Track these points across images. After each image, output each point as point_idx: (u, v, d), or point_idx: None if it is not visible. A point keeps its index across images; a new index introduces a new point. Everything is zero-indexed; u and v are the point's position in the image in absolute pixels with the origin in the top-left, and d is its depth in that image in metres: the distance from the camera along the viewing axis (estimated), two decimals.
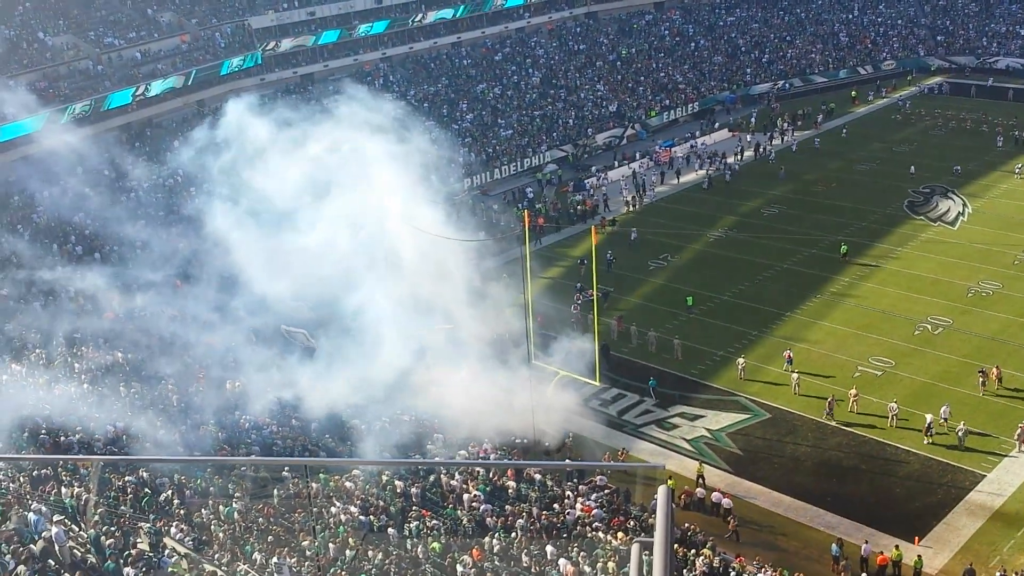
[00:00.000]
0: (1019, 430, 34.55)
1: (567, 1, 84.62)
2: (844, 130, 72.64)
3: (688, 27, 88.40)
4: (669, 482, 33.02)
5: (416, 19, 74.52)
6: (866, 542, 30.14)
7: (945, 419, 35.39)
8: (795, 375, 39.43)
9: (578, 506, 30.78)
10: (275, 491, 29.25)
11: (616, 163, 67.85)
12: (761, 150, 69.18)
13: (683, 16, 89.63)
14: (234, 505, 27.66)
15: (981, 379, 37.38)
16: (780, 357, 41.54)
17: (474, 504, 30.23)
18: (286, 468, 29.91)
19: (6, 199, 50.28)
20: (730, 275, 50.45)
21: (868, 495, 33.38)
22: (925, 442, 35.44)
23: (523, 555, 27.20)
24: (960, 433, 34.79)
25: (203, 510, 27.40)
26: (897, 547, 29.88)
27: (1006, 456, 34.42)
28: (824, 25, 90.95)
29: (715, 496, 32.87)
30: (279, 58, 68.17)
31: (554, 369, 39.74)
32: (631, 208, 61.18)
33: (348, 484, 30.74)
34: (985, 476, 33.55)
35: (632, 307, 47.85)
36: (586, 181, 64.78)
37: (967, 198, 58.14)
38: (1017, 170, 60.18)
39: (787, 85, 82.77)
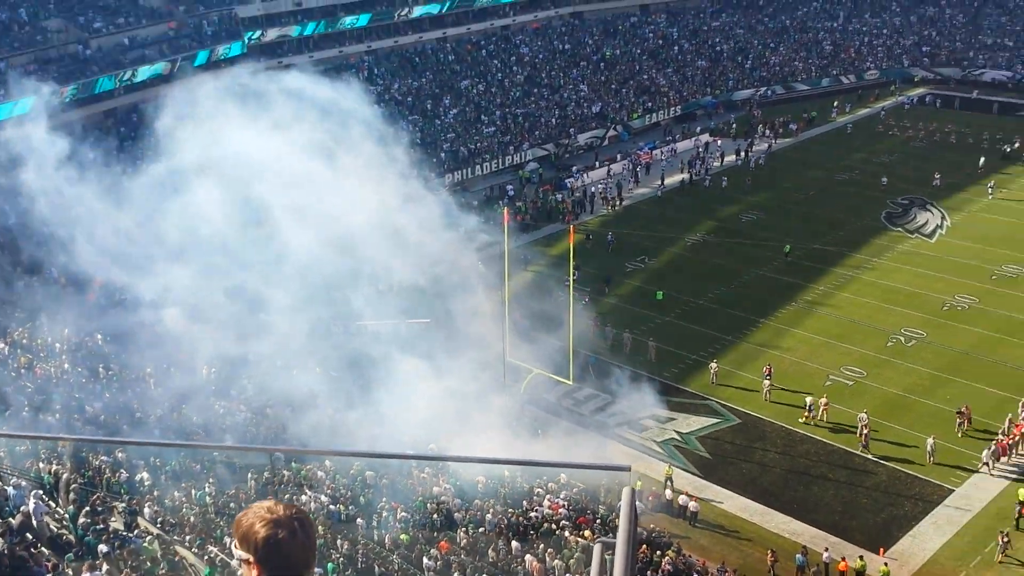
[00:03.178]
0: (992, 447, 34.81)
1: (553, 0, 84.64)
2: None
3: (673, 30, 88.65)
4: (637, 484, 33.17)
5: (402, 13, 74.33)
6: (826, 550, 30.34)
7: (931, 452, 35.04)
8: (767, 382, 39.66)
9: (546, 503, 30.89)
10: (250, 476, 29.28)
11: (597, 164, 68.01)
12: (742, 156, 69.52)
13: (668, 19, 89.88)
14: (206, 489, 27.71)
15: (959, 420, 36.42)
16: (753, 363, 41.81)
17: (444, 498, 30.27)
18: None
19: None
20: (706, 279, 50.67)
21: (835, 504, 33.63)
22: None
23: (490, 550, 27.27)
24: (929, 447, 35.04)
25: (175, 492, 27.45)
26: (861, 558, 30.08)
27: (975, 472, 34.71)
28: (808, 33, 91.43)
29: (682, 499, 33.03)
30: (264, 47, 67.77)
31: (528, 367, 39.84)
32: (611, 209, 61.36)
33: (320, 473, 30.75)
34: (954, 491, 33.82)
35: (608, 308, 47.97)
36: (567, 181, 64.89)
37: (946, 211, 58.61)
38: (990, 188, 60.70)
39: (769, 92, 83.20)
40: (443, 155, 65.58)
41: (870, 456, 35.63)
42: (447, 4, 76.77)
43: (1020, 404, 37.01)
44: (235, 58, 64.81)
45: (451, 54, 78.06)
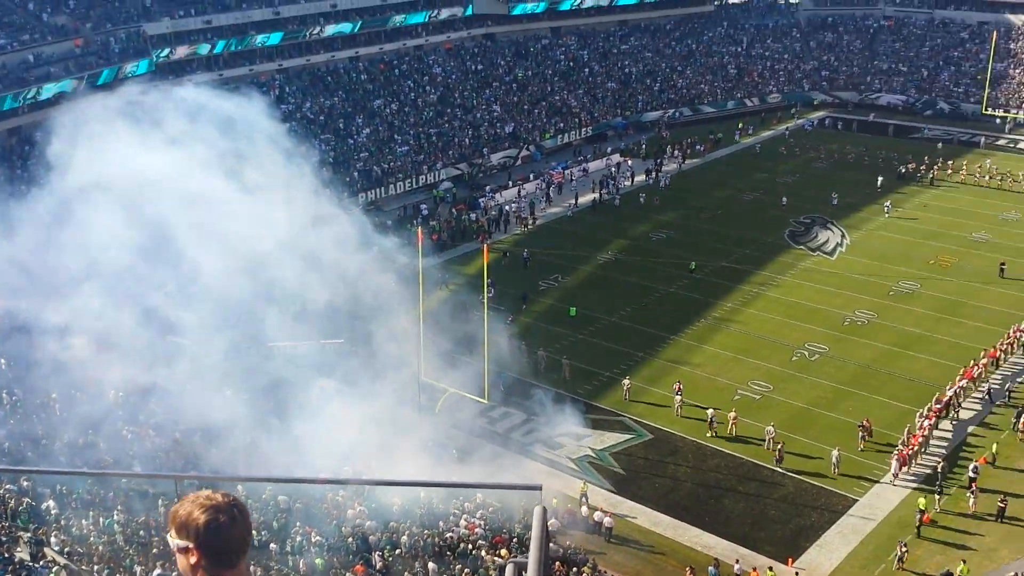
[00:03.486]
0: (894, 456, 36.06)
1: (465, 21, 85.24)
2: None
3: (583, 53, 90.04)
4: (553, 502, 33.50)
5: (314, 32, 73.97)
6: (737, 561, 31.06)
7: (836, 464, 36.07)
8: (678, 397, 40.44)
9: (462, 523, 30.95)
10: (160, 503, 28.65)
11: (510, 183, 68.60)
12: (651, 175, 70.90)
13: (578, 42, 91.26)
14: (115, 518, 27.05)
15: (861, 433, 37.43)
16: (665, 379, 42.63)
17: (359, 521, 30.11)
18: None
19: None
20: (618, 297, 51.49)
21: (744, 516, 34.43)
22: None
23: (407, 573, 27.22)
24: (834, 459, 36.14)
25: (83, 521, 26.73)
26: (771, 568, 30.87)
27: (878, 482, 35.90)
28: (714, 57, 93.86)
29: (597, 515, 33.44)
30: (173, 65, 66.73)
31: (443, 386, 39.89)
32: (525, 228, 61.94)
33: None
34: (858, 500, 34.93)
35: (522, 326, 48.33)
36: (480, 200, 65.29)
37: (846, 229, 60.65)
38: (887, 207, 63.05)
39: (677, 114, 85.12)
40: (356, 174, 65.39)
41: (779, 469, 36.58)
42: (359, 23, 76.68)
43: (917, 415, 38.43)
44: (142, 76, 63.66)
45: (364, 73, 77.93)
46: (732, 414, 38.91)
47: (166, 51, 65.60)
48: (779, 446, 36.81)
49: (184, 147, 37.56)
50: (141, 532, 26.51)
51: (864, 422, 37.67)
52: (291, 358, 39.59)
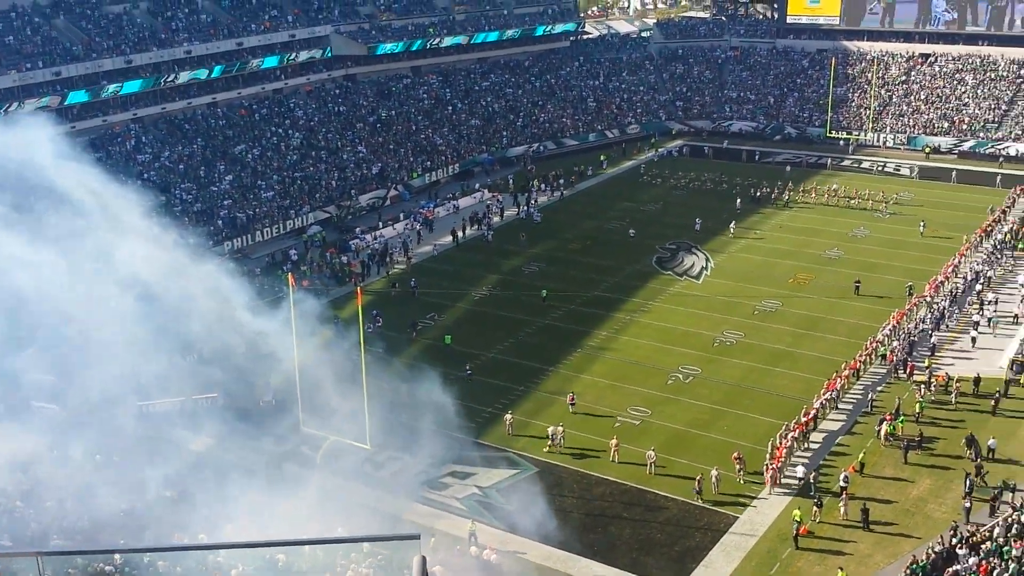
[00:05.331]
0: (766, 472, 37.24)
1: (325, 63, 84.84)
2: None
3: (446, 91, 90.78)
4: (431, 542, 33.21)
5: (169, 79, 72.25)
6: None
7: (716, 483, 36.95)
8: (560, 427, 40.80)
9: (349, 574, 30.36)
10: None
11: (380, 224, 68.33)
12: (522, 209, 71.80)
13: (440, 80, 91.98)
14: None
15: (738, 465, 37.87)
16: (546, 411, 43.03)
17: None
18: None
19: None
20: (495, 332, 51.78)
21: (632, 542, 34.89)
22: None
23: None
24: (714, 478, 37.05)
25: None
26: None
27: (756, 497, 36.94)
28: (573, 91, 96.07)
29: (487, 553, 33.33)
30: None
31: (324, 434, 39.18)
32: (398, 269, 61.75)
33: (103, 565, 28.89)
34: (738, 518, 35.87)
35: (402, 368, 47.93)
36: (351, 242, 64.78)
37: (710, 253, 62.69)
38: (732, 229, 65.74)
39: (542, 148, 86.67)
40: (220, 222, 63.99)
41: (701, 504, 36.65)
42: (215, 69, 75.36)
43: (784, 426, 39.73)
44: None
45: (223, 119, 76.54)
46: (613, 441, 39.48)
47: (15, 105, 62.83)
48: (698, 478, 37.03)
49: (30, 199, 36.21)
50: None
51: (737, 454, 38.37)
52: (163, 416, 38.32)
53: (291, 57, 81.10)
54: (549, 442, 40.23)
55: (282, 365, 41.30)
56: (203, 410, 40.47)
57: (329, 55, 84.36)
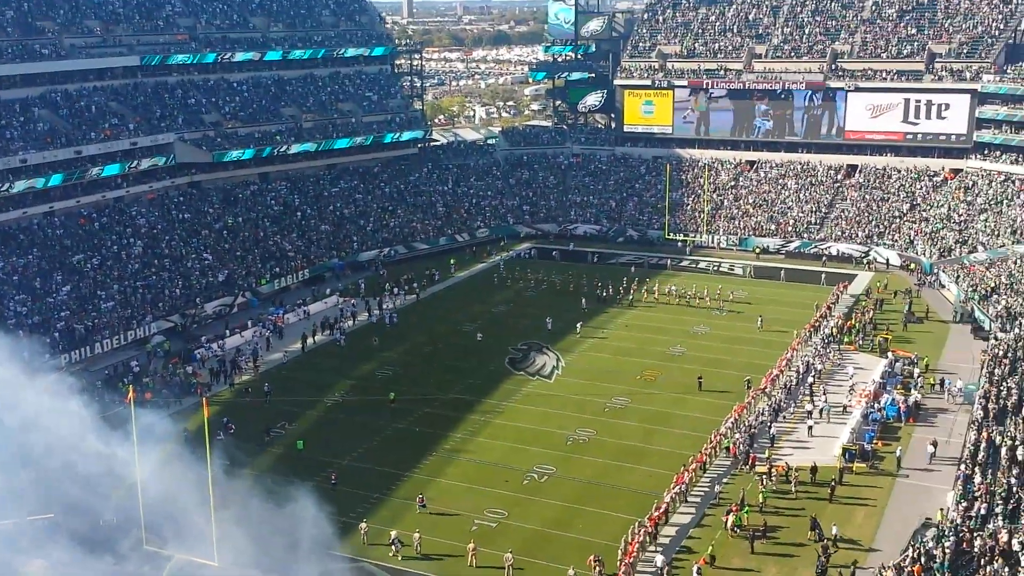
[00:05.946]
0: (620, 570, 37.65)
1: (168, 170, 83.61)
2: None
3: (294, 196, 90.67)
4: None
5: (3, 188, 69.64)
6: None
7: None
8: (417, 535, 40.35)
9: None
10: None
11: (228, 332, 66.90)
12: (374, 314, 71.77)
13: (288, 186, 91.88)
14: None
15: (598, 568, 37.82)
16: (402, 518, 42.51)
17: None
18: None
19: None
20: (349, 439, 51.11)
21: None
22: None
23: None
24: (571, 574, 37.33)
25: None
26: None
27: None
28: (423, 196, 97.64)
29: None
30: None
31: (169, 553, 37.54)
32: (247, 378, 60.42)
33: None
34: None
35: (253, 480, 46.57)
36: (197, 352, 63.07)
37: (560, 352, 64.02)
38: (579, 328, 67.64)
39: (393, 252, 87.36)
40: (57, 334, 61.35)
41: None
42: (53, 178, 73.19)
43: (636, 523, 40.46)
44: None
45: (60, 228, 74.04)
46: (471, 545, 39.29)
47: None
48: (509, 566, 37.22)
49: None
50: None
51: (594, 556, 38.21)
52: None
53: (133, 165, 79.64)
54: (393, 549, 39.67)
55: (123, 482, 39.64)
56: (39, 531, 38.17)
57: (173, 162, 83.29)
